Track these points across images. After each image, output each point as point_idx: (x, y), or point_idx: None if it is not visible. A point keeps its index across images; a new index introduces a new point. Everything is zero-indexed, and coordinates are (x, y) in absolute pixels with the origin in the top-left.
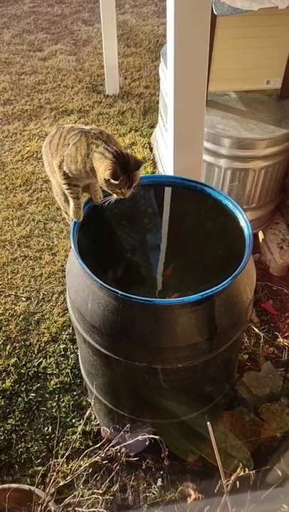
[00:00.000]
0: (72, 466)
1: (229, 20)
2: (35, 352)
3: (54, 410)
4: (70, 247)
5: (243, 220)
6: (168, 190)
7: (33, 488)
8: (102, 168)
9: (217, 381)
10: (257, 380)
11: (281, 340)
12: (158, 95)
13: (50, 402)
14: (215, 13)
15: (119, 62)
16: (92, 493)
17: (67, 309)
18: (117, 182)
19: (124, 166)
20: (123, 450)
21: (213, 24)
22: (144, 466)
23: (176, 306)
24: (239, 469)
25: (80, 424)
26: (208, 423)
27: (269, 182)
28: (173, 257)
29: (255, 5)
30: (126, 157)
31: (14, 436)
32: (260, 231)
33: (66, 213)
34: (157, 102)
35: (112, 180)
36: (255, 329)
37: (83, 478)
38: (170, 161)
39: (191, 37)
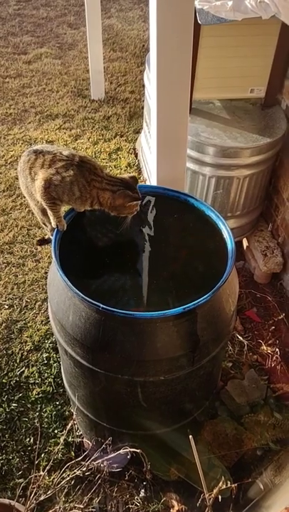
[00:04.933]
0: (53, 479)
1: (213, 30)
2: (18, 361)
3: (36, 421)
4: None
5: (226, 232)
6: (151, 200)
7: (13, 502)
8: (119, 202)
9: (199, 395)
10: (240, 388)
11: (265, 347)
12: (143, 100)
13: (32, 412)
14: (199, 22)
15: (104, 67)
16: (74, 507)
17: None
18: (139, 201)
19: (131, 188)
20: (105, 464)
21: (198, 33)
22: (126, 477)
23: (158, 319)
24: (221, 483)
25: (62, 435)
26: (190, 436)
27: (253, 190)
28: (156, 267)
29: (239, 15)
30: (124, 181)
31: None
32: (245, 238)
33: (44, 224)
34: (142, 108)
35: (136, 202)
36: (239, 337)
37: (65, 491)
38: (154, 168)
39: (174, 46)
